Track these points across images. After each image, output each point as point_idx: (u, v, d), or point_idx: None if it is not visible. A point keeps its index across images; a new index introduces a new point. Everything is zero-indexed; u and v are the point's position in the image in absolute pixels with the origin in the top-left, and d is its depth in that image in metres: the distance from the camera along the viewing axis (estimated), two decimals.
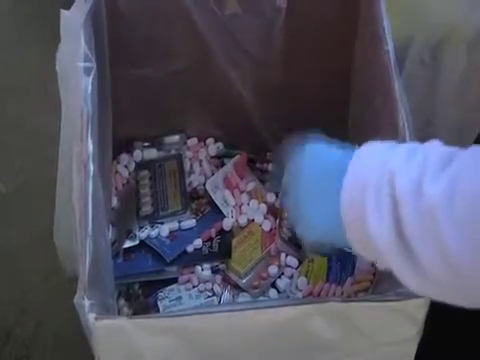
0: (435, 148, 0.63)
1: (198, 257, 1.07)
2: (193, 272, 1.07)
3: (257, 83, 1.11)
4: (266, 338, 0.77)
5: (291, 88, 1.10)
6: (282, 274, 1.06)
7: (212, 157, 1.17)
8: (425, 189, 0.59)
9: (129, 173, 1.15)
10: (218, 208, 1.12)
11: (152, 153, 1.17)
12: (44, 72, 1.05)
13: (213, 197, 1.12)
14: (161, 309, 1.03)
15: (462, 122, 1.16)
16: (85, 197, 0.80)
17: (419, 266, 0.60)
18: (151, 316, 0.88)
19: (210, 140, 1.19)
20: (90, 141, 0.83)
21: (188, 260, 1.07)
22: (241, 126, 1.15)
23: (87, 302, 0.73)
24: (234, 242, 1.09)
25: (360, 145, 0.69)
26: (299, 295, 1.03)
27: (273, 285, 1.06)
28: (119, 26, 1.01)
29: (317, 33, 1.04)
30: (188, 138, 1.18)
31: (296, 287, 1.04)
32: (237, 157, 1.16)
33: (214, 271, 1.07)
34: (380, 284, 0.95)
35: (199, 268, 1.07)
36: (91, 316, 0.72)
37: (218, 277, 1.06)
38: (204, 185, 1.14)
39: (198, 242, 1.08)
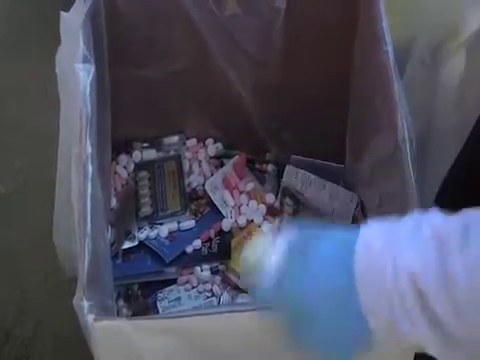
0: (438, 220, 0.59)
1: (197, 258, 1.07)
2: (192, 273, 1.07)
3: (256, 83, 1.11)
4: (266, 339, 0.77)
5: (290, 88, 1.10)
6: None
7: (211, 158, 1.17)
8: (451, 270, 0.55)
9: (128, 174, 1.15)
10: (217, 209, 1.12)
11: (151, 154, 1.17)
12: (44, 73, 1.05)
13: (212, 198, 1.12)
14: (160, 310, 1.03)
15: (462, 123, 1.16)
16: (84, 198, 0.80)
17: (457, 344, 0.58)
18: (150, 317, 0.88)
19: (209, 141, 1.19)
20: (89, 142, 0.83)
21: (187, 261, 1.07)
22: (240, 127, 1.15)
23: (86, 303, 0.73)
24: (233, 243, 1.09)
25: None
26: None
27: None
28: (118, 27, 1.01)
29: (316, 33, 1.04)
30: (187, 139, 1.19)
31: None
32: (236, 158, 1.16)
33: (213, 272, 1.07)
34: None
35: (198, 269, 1.07)
36: (90, 317, 0.72)
37: (217, 278, 1.06)
38: (203, 186, 1.14)
39: (197, 243, 1.08)
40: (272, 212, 1.11)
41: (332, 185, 1.12)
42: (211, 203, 1.12)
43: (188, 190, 1.13)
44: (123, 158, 1.16)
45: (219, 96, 1.12)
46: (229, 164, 1.16)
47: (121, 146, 1.16)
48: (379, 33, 0.93)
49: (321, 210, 1.12)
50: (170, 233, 1.09)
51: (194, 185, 1.14)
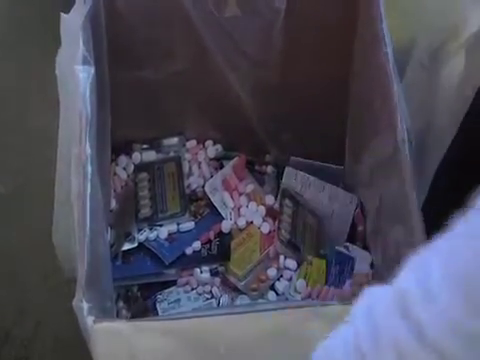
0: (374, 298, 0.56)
1: (197, 259, 1.07)
2: (192, 274, 1.06)
3: (256, 84, 1.11)
4: (265, 341, 0.77)
5: (290, 89, 1.10)
6: (281, 276, 1.06)
7: (211, 159, 1.17)
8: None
9: (128, 175, 1.15)
10: (217, 210, 1.12)
11: (151, 155, 1.17)
12: (44, 73, 1.04)
13: (212, 199, 1.12)
14: (160, 311, 1.03)
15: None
16: (83, 199, 0.80)
17: None
18: (150, 319, 0.88)
19: (209, 142, 1.18)
20: (88, 143, 0.83)
21: (187, 262, 1.07)
22: (240, 128, 1.15)
23: (86, 305, 0.73)
24: (233, 244, 1.08)
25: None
26: (298, 297, 1.03)
27: (272, 287, 1.06)
28: (118, 28, 1.01)
29: (316, 34, 1.04)
30: (187, 140, 1.18)
31: (295, 289, 1.03)
32: (236, 159, 1.16)
33: (213, 273, 1.06)
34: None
35: (198, 270, 1.06)
36: (90, 319, 0.72)
37: (217, 279, 1.06)
38: (203, 187, 1.14)
39: (197, 244, 1.08)
40: (271, 213, 1.11)
41: (332, 186, 1.12)
42: (211, 205, 1.12)
43: (188, 192, 1.13)
44: (123, 159, 1.16)
45: (219, 97, 1.12)
46: (229, 166, 1.16)
47: (121, 147, 1.16)
48: (379, 34, 0.94)
49: (320, 211, 1.12)
50: (170, 235, 1.09)
51: (194, 187, 1.14)
